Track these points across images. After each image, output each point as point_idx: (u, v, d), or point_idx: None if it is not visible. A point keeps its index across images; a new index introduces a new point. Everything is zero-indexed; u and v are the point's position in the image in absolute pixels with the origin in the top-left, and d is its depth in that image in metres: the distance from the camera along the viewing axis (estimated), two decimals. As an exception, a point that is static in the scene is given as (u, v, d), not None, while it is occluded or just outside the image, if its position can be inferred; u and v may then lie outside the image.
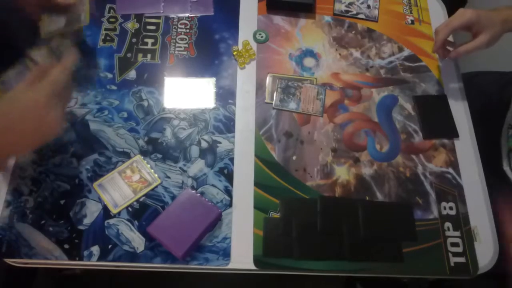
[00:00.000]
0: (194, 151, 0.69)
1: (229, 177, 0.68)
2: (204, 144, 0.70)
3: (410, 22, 0.85)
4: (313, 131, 0.73)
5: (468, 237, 0.66)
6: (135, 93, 0.74)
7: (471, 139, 0.74)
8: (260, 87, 0.76)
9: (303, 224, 0.65)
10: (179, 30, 0.80)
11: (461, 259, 0.64)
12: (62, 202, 0.64)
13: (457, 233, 0.66)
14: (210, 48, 0.79)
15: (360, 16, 0.84)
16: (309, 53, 0.80)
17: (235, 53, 0.78)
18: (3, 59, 0.62)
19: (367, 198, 0.68)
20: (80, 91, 0.73)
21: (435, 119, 0.75)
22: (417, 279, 0.87)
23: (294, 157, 0.70)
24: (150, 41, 0.78)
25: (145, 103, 0.73)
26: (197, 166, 0.68)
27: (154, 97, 0.73)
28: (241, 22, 0.82)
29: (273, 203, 0.66)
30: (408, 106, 0.76)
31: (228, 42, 0.79)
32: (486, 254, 0.65)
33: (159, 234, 0.60)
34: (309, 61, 0.79)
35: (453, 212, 0.68)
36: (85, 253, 0.61)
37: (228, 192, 0.67)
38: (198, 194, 0.64)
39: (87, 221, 0.63)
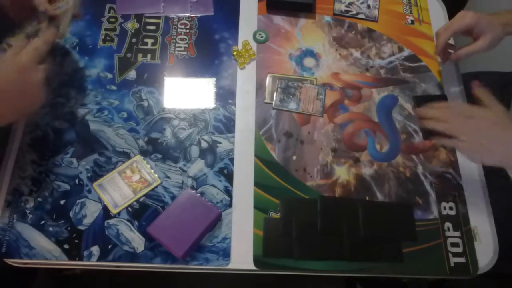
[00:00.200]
0: (194, 151, 0.69)
1: (229, 177, 0.68)
2: (204, 144, 0.70)
3: (410, 22, 0.85)
4: (313, 131, 0.73)
5: (468, 237, 0.66)
6: (135, 93, 0.74)
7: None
8: (260, 87, 0.76)
9: (303, 224, 0.65)
10: (179, 30, 0.80)
11: (461, 259, 0.64)
12: (62, 202, 0.64)
13: (457, 233, 0.66)
14: (210, 48, 0.79)
15: (360, 16, 0.84)
16: (309, 53, 0.80)
17: (235, 53, 0.78)
18: None
19: (367, 198, 0.68)
20: (79, 91, 0.73)
21: None
22: (417, 279, 0.87)
23: (294, 157, 0.70)
24: (150, 41, 0.78)
25: (145, 103, 0.73)
26: (197, 166, 0.68)
27: (154, 97, 0.73)
28: (241, 22, 0.82)
29: (273, 203, 0.66)
30: (408, 106, 0.76)
31: (228, 42, 0.79)
32: (486, 254, 0.65)
33: (159, 234, 0.60)
34: (309, 61, 0.79)
35: (453, 212, 0.68)
36: (85, 253, 0.61)
37: (228, 192, 0.67)
38: (198, 194, 0.64)
39: (87, 221, 0.63)
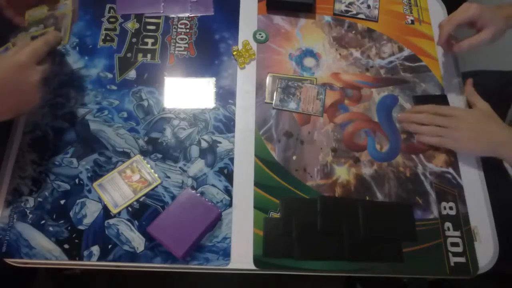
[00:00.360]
0: (194, 151, 0.69)
1: (229, 177, 0.68)
2: (204, 144, 0.70)
3: (410, 22, 0.85)
4: (313, 131, 0.73)
5: (468, 237, 0.66)
6: (135, 93, 0.74)
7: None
8: (260, 87, 0.76)
9: (303, 224, 0.65)
10: (179, 30, 0.80)
11: (461, 259, 0.64)
12: (62, 202, 0.64)
13: (457, 233, 0.66)
14: (210, 48, 0.79)
15: (360, 16, 0.84)
16: (309, 53, 0.80)
17: (235, 53, 0.78)
18: None
19: (367, 198, 0.68)
20: (79, 91, 0.73)
21: None
22: (417, 279, 0.87)
23: (294, 157, 0.70)
24: (150, 41, 0.78)
25: (145, 103, 0.73)
26: (197, 166, 0.68)
27: (154, 97, 0.73)
28: (241, 22, 0.82)
29: (273, 203, 0.66)
30: (408, 106, 0.76)
31: (228, 42, 0.79)
32: (486, 254, 0.65)
33: (159, 234, 0.60)
34: (309, 61, 0.79)
35: (453, 212, 0.68)
36: (85, 253, 0.61)
37: (228, 192, 0.67)
38: (198, 194, 0.64)
39: (87, 221, 0.63)
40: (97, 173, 0.67)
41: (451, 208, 0.68)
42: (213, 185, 0.67)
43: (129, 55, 0.77)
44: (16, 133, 0.69)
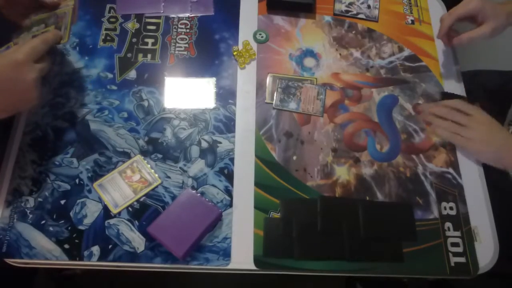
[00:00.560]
0: (195, 151, 0.69)
1: (229, 177, 0.68)
2: (204, 144, 0.70)
3: (410, 22, 0.85)
4: (313, 131, 0.73)
5: (468, 237, 0.66)
6: (135, 93, 0.74)
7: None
8: (260, 87, 0.76)
9: (303, 224, 0.65)
10: (179, 30, 0.80)
11: (461, 259, 0.64)
12: (62, 202, 0.64)
13: (457, 233, 0.66)
14: (210, 48, 0.79)
15: (360, 16, 0.84)
16: (309, 53, 0.80)
17: (235, 53, 0.78)
18: None
19: (367, 198, 0.68)
20: (79, 91, 0.73)
21: None
22: (417, 279, 0.87)
23: (294, 157, 0.70)
24: (150, 41, 0.78)
25: (145, 103, 0.73)
26: (197, 166, 0.68)
27: (154, 97, 0.73)
28: (241, 22, 0.82)
29: (273, 203, 0.66)
30: (408, 106, 0.76)
31: (228, 42, 0.79)
32: (486, 254, 0.65)
33: (160, 234, 0.60)
34: (309, 61, 0.79)
35: (453, 212, 0.68)
36: (85, 253, 0.61)
37: (228, 192, 0.67)
38: (199, 194, 0.64)
39: (87, 221, 0.63)
40: (97, 173, 0.67)
41: (451, 208, 0.68)
42: (213, 185, 0.67)
43: (129, 55, 0.77)
44: (16, 133, 0.69)
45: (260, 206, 0.66)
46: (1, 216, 0.63)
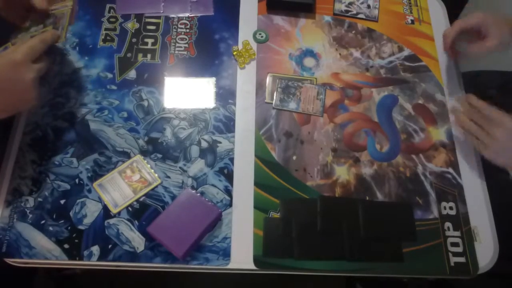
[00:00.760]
0: (194, 151, 0.69)
1: (229, 177, 0.68)
2: (204, 144, 0.70)
3: (410, 22, 0.85)
4: (313, 131, 0.73)
5: (468, 237, 0.66)
6: (135, 93, 0.74)
7: (471, 139, 0.74)
8: (260, 87, 0.76)
9: (303, 224, 0.65)
10: (179, 30, 0.80)
11: (461, 259, 0.64)
12: (62, 202, 0.64)
13: (457, 233, 0.66)
14: (210, 48, 0.79)
15: (360, 16, 0.84)
16: (309, 53, 0.80)
17: (235, 53, 0.78)
18: None
19: (367, 198, 0.68)
20: (79, 91, 0.73)
21: None
22: (417, 279, 0.87)
23: (294, 157, 0.70)
24: (150, 41, 0.78)
25: (145, 103, 0.73)
26: (197, 166, 0.68)
27: (154, 97, 0.73)
28: (241, 22, 0.82)
29: (273, 203, 0.66)
30: (408, 106, 0.76)
31: (228, 42, 0.79)
32: (486, 254, 0.65)
33: (159, 234, 0.60)
34: (309, 61, 0.79)
35: (453, 212, 0.68)
36: (85, 253, 0.61)
37: (228, 192, 0.67)
38: (198, 194, 0.64)
39: (87, 221, 0.63)
40: (97, 173, 0.67)
41: (451, 208, 0.68)
42: (213, 185, 0.67)
43: (129, 55, 0.77)
44: (16, 133, 0.69)
45: (259, 206, 0.66)
46: (1, 216, 0.63)
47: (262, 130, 0.72)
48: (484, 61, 1.00)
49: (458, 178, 0.70)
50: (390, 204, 0.68)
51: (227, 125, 0.72)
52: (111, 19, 0.80)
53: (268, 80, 0.76)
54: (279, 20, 0.83)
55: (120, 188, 0.65)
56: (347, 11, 0.85)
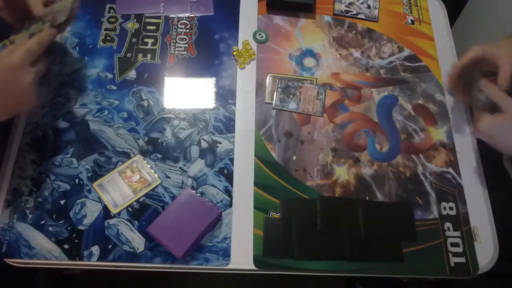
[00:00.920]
0: (194, 151, 0.69)
1: (229, 177, 0.68)
2: (204, 144, 0.70)
3: (410, 22, 0.85)
4: (313, 131, 0.73)
5: (468, 237, 0.66)
6: (135, 93, 0.74)
7: (471, 138, 0.74)
8: (260, 87, 0.76)
9: (303, 224, 0.65)
10: (179, 30, 0.80)
11: (461, 259, 0.64)
12: (62, 202, 0.64)
13: (457, 233, 0.66)
14: (210, 48, 0.79)
15: (360, 16, 0.84)
16: (309, 53, 0.80)
17: (235, 53, 0.78)
18: None
19: (367, 198, 0.68)
20: (79, 91, 0.73)
21: None
22: (417, 279, 0.87)
23: (294, 157, 0.70)
24: (150, 41, 0.78)
25: (145, 103, 0.73)
26: (197, 166, 0.68)
27: (154, 97, 0.73)
28: (241, 22, 0.82)
29: (273, 203, 0.66)
30: (408, 106, 0.76)
31: (228, 42, 0.79)
32: (486, 254, 0.65)
33: (159, 234, 0.60)
34: (309, 61, 0.79)
35: (453, 212, 0.68)
36: (85, 253, 0.61)
37: (228, 192, 0.67)
38: (198, 194, 0.64)
39: (87, 221, 0.63)
40: (97, 173, 0.67)
41: (451, 208, 0.68)
42: (213, 185, 0.67)
43: (129, 55, 0.77)
44: (16, 133, 0.69)
45: (259, 206, 0.66)
46: (1, 216, 0.63)
47: (262, 130, 0.72)
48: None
49: (458, 178, 0.70)
50: (390, 204, 0.68)
51: (227, 125, 0.72)
52: (111, 19, 0.80)
53: (268, 80, 0.76)
54: (279, 20, 0.83)
55: (120, 188, 0.65)
56: (347, 11, 0.85)
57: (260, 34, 0.81)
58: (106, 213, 0.64)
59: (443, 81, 0.79)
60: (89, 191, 0.65)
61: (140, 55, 0.77)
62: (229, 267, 0.62)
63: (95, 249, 0.62)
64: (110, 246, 0.62)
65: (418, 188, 0.69)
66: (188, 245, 0.59)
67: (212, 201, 0.65)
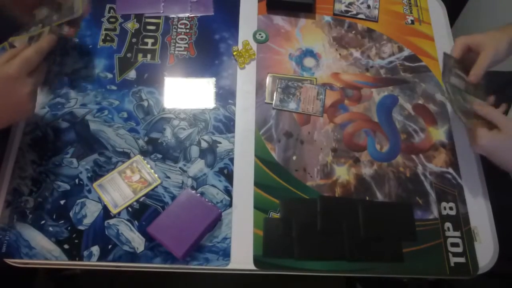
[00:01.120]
0: (194, 151, 0.69)
1: (229, 177, 0.68)
2: (204, 144, 0.70)
3: (410, 22, 0.85)
4: (313, 131, 0.73)
5: (468, 237, 0.66)
6: (135, 93, 0.74)
7: (471, 139, 0.74)
8: (260, 87, 0.76)
9: (303, 224, 0.65)
10: (179, 30, 0.80)
11: (461, 259, 0.64)
12: (62, 202, 0.64)
13: (457, 233, 0.66)
14: (210, 48, 0.79)
15: (360, 16, 0.84)
16: (309, 53, 0.80)
17: (235, 53, 0.78)
18: None
19: (367, 198, 0.68)
20: (79, 91, 0.73)
21: None
22: (417, 279, 0.87)
23: (294, 157, 0.70)
24: (150, 41, 0.78)
25: (145, 103, 0.73)
26: (197, 166, 0.68)
27: (154, 97, 0.73)
28: (241, 22, 0.82)
29: (273, 203, 0.66)
30: (408, 106, 0.76)
31: (228, 42, 0.79)
32: (486, 254, 0.65)
33: (159, 234, 0.60)
34: (309, 61, 0.79)
35: (453, 212, 0.68)
36: (85, 253, 0.61)
37: (228, 192, 0.67)
38: (198, 194, 0.64)
39: (87, 221, 0.63)
40: (97, 173, 0.67)
41: (451, 208, 0.68)
42: (213, 185, 0.67)
43: (129, 55, 0.77)
44: (16, 133, 0.69)
45: (259, 206, 0.66)
46: (1, 216, 0.63)
47: (262, 130, 0.72)
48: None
49: (458, 178, 0.70)
50: (390, 204, 0.68)
51: (227, 125, 0.72)
52: (111, 19, 0.80)
53: (268, 80, 0.76)
54: (279, 20, 0.83)
55: (120, 189, 0.65)
56: (347, 11, 0.85)
57: (260, 34, 0.81)
58: (106, 213, 0.64)
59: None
60: (89, 191, 0.65)
61: (140, 55, 0.77)
62: (229, 267, 0.62)
63: (95, 249, 0.62)
64: (110, 246, 0.62)
65: (418, 188, 0.69)
66: (188, 245, 0.59)
67: (212, 201, 0.65)
